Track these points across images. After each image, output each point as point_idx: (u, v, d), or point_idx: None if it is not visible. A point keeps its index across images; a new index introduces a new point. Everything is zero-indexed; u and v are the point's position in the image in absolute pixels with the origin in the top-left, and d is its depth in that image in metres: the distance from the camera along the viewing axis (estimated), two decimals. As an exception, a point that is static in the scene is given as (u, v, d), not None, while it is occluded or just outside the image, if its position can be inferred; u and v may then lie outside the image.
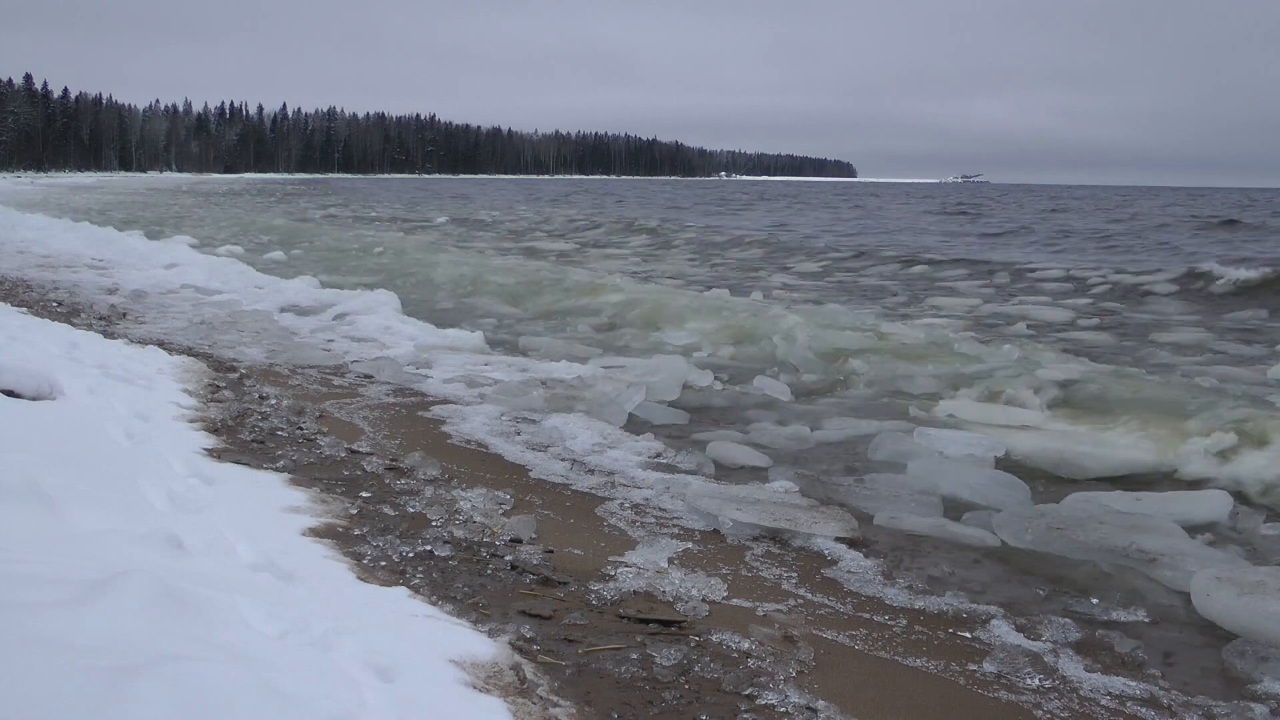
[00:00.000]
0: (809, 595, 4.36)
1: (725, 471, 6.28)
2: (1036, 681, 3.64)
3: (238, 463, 5.55)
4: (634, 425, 7.34)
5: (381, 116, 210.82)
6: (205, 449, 5.74)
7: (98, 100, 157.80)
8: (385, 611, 3.53)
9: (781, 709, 3.31)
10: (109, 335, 9.58)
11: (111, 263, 17.91)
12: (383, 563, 4.30)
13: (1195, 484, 6.20)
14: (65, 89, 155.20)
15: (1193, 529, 5.26)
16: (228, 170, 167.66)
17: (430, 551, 4.49)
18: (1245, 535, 5.34)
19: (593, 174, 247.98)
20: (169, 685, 2.19)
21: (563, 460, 6.34)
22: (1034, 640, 3.99)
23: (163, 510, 4.32)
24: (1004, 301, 16.20)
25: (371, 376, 8.70)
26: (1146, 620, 4.27)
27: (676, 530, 5.12)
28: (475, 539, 4.73)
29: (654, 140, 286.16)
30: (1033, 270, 20.39)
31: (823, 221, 41.48)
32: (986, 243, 29.87)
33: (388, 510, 5.06)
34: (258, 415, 6.82)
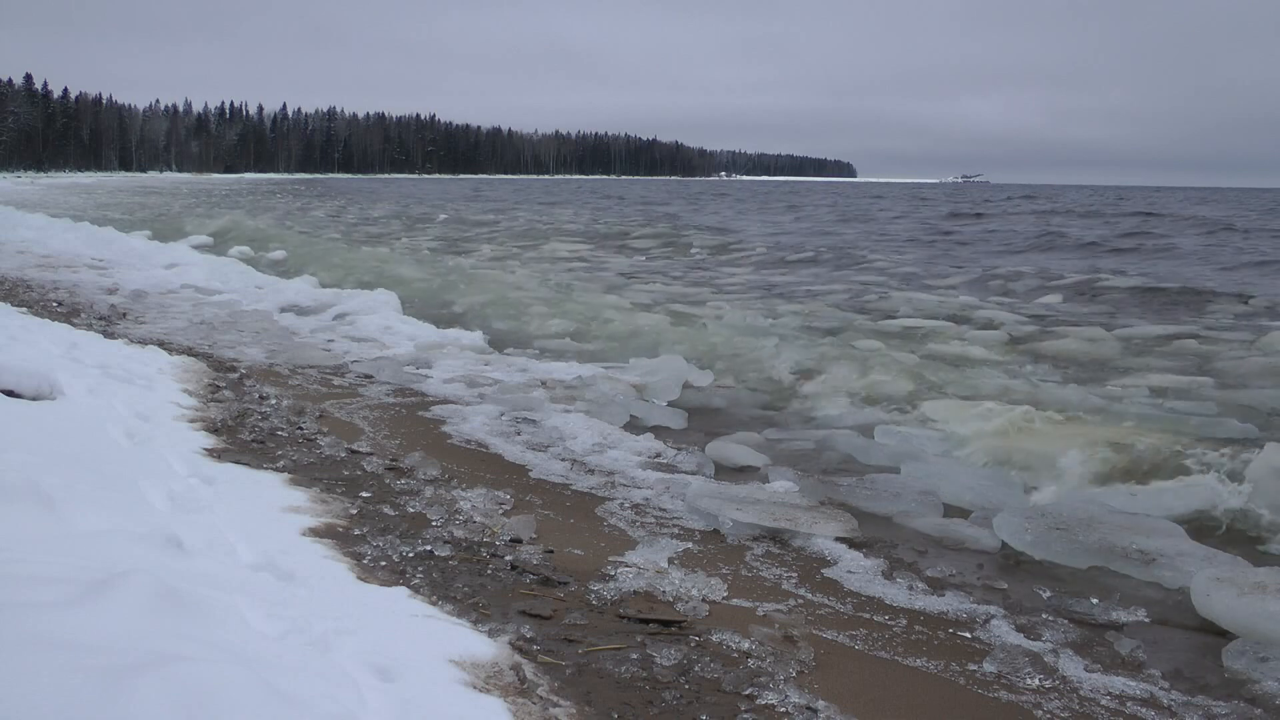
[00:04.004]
0: (809, 595, 4.36)
1: (725, 471, 6.28)
2: (1036, 681, 3.64)
3: (238, 463, 5.55)
4: (634, 425, 7.34)
5: (381, 116, 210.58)
6: (205, 449, 5.73)
7: (98, 100, 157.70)
8: (385, 611, 3.53)
9: (781, 709, 3.31)
10: (109, 335, 9.58)
11: (111, 263, 17.90)
12: (383, 563, 4.30)
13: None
14: (65, 89, 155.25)
15: (1189, 525, 5.25)
16: (228, 170, 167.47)
17: (430, 551, 4.49)
18: (1245, 535, 5.34)
19: (593, 174, 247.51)
20: (169, 685, 2.19)
21: (563, 460, 6.34)
22: (1034, 640, 3.98)
23: (163, 510, 4.31)
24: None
25: (371, 376, 8.70)
26: (1146, 620, 4.27)
27: (676, 530, 5.12)
28: (475, 539, 4.73)
29: (654, 140, 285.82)
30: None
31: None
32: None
33: (388, 510, 5.06)
34: (258, 415, 6.82)
